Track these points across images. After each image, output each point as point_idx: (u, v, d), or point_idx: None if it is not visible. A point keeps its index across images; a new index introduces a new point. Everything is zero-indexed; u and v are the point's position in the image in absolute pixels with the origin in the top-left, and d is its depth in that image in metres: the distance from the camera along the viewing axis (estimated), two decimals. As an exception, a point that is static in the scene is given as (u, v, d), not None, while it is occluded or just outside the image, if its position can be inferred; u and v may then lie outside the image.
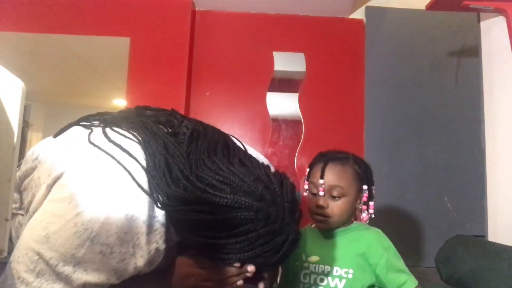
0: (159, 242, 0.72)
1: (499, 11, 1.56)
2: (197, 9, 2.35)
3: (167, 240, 0.73)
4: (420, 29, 2.24)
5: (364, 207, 1.03)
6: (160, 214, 0.72)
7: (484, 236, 1.78)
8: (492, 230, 1.72)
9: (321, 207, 1.00)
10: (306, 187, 1.07)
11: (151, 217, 0.70)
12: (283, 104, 2.30)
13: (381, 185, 2.10)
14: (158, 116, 0.89)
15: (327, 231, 1.05)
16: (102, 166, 0.72)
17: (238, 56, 2.31)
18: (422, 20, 2.23)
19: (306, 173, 1.09)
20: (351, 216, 1.05)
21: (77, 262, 0.65)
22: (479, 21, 1.71)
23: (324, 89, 2.35)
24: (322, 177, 1.00)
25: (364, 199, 1.03)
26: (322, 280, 0.99)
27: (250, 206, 0.66)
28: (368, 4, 2.32)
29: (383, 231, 1.05)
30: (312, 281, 1.00)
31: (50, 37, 2.24)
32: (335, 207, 1.00)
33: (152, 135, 0.79)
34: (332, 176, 1.00)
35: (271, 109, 2.28)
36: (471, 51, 2.05)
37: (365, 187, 1.03)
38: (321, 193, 1.00)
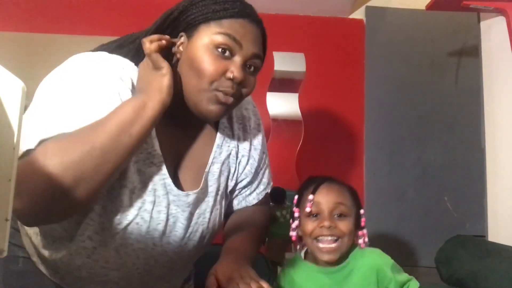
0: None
1: (499, 11, 1.56)
2: (197, 9, 2.35)
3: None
4: (420, 29, 2.24)
5: (361, 232, 0.94)
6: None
7: (484, 236, 1.78)
8: (492, 230, 1.72)
9: (328, 227, 0.87)
10: (296, 214, 0.93)
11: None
12: (283, 104, 2.30)
13: (381, 185, 2.11)
14: None
15: (326, 269, 0.91)
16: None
17: (238, 56, 2.31)
18: (422, 20, 2.23)
19: (295, 201, 0.96)
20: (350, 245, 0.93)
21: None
22: (479, 21, 1.72)
23: (324, 89, 2.35)
24: (314, 193, 0.90)
25: (363, 223, 0.94)
26: None
27: None
28: (368, 4, 2.32)
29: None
30: None
31: (50, 37, 2.24)
32: (342, 227, 0.88)
33: None
34: (333, 195, 0.90)
35: (271, 109, 2.28)
36: (471, 51, 2.05)
37: (362, 211, 0.94)
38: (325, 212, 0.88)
